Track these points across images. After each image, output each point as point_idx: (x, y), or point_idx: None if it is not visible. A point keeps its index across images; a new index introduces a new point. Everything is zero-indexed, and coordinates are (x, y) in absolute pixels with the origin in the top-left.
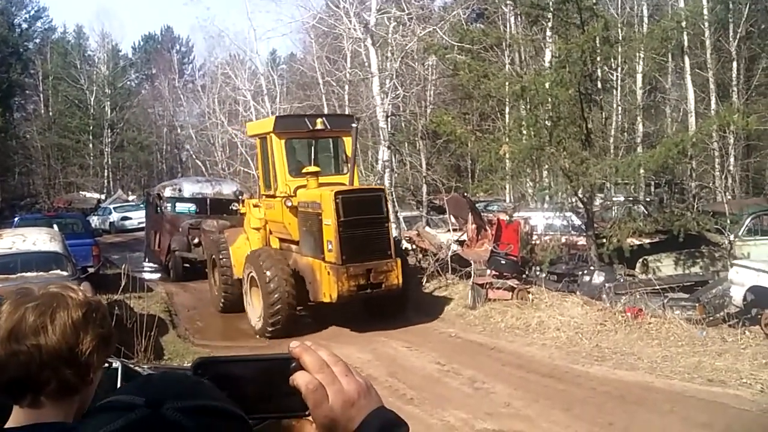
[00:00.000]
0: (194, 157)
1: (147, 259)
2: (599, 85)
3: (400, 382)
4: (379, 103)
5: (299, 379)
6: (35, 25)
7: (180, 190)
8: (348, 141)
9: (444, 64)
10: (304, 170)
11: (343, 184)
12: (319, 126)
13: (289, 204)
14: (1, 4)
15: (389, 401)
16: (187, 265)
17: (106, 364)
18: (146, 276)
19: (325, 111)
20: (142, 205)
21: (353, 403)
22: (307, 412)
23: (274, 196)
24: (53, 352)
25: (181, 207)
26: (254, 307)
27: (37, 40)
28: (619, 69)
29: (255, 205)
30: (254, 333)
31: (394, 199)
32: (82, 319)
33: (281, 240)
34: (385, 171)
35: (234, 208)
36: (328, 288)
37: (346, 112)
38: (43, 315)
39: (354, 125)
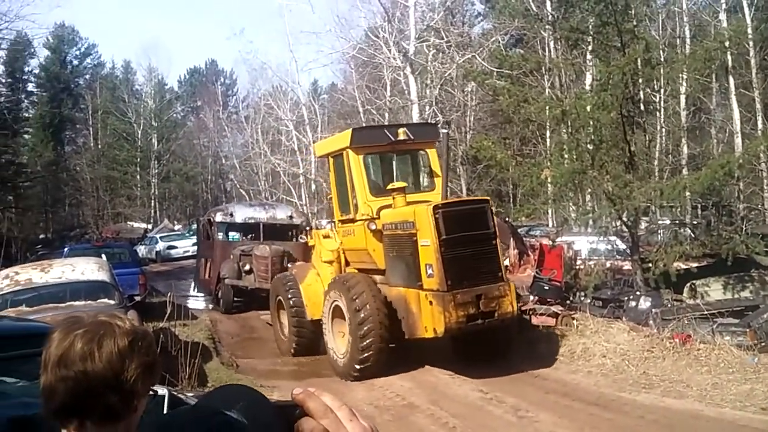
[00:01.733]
0: (238, 186)
1: (196, 289)
2: (642, 107)
3: (442, 410)
4: None
5: (304, 425)
6: (85, 61)
7: (232, 215)
8: (432, 153)
9: (483, 89)
10: (389, 187)
11: (431, 202)
12: (401, 137)
13: (373, 227)
14: (54, 42)
15: (432, 429)
16: (238, 300)
17: (152, 392)
18: (191, 304)
19: None
20: (187, 234)
21: None
22: None
23: (353, 221)
24: (99, 378)
25: (231, 233)
26: (337, 343)
27: (87, 76)
28: (662, 90)
29: (325, 236)
30: (337, 373)
31: None
32: (128, 347)
33: (361, 271)
34: None
35: (302, 240)
36: (430, 320)
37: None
38: (90, 342)
39: (445, 131)
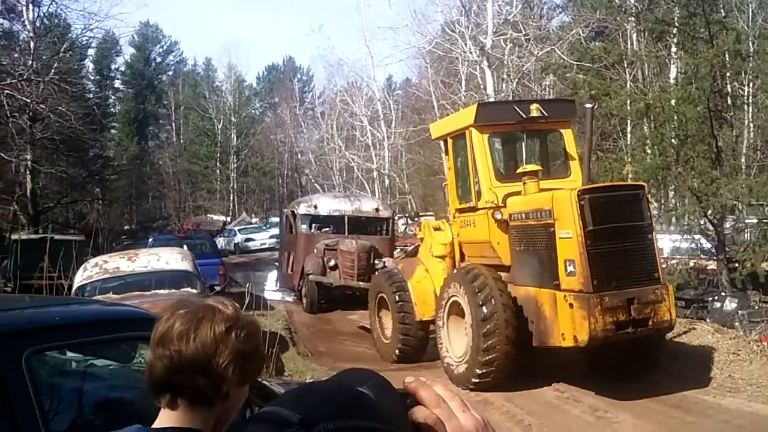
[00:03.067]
0: (313, 181)
1: (279, 284)
2: (729, 102)
3: (517, 407)
4: None
5: (417, 413)
6: (168, 58)
7: (316, 207)
8: (568, 133)
9: (563, 83)
10: (519, 170)
11: (573, 187)
12: (534, 113)
13: (498, 216)
14: (139, 40)
15: (506, 426)
16: (322, 296)
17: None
18: (267, 295)
19: None
20: (264, 228)
21: None
22: None
23: (474, 209)
24: (192, 359)
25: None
26: (452, 345)
27: (170, 73)
28: (751, 84)
29: (436, 228)
30: (453, 380)
31: None
32: (225, 333)
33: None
34: None
35: (411, 232)
36: (569, 327)
37: None
38: (189, 323)
39: (589, 106)
